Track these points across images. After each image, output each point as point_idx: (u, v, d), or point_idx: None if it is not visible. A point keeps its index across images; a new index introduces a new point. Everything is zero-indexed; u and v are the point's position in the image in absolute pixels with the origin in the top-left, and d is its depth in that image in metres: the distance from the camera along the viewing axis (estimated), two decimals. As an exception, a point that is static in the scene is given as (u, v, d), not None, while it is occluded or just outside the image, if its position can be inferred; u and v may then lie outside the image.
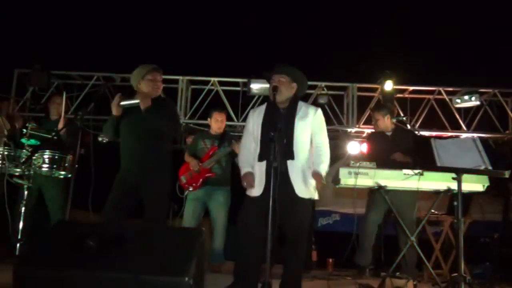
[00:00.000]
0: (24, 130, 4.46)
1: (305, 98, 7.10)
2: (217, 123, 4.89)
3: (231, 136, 5.01)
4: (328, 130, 6.85)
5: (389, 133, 4.79)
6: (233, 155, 4.73)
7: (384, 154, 4.51)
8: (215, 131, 4.92)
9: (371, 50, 7.63)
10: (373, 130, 6.04)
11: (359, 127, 7.05)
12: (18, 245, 4.42)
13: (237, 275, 3.15)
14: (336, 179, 4.09)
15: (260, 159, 3.14)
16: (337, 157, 7.50)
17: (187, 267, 2.06)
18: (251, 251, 3.06)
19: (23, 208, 4.46)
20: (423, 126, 7.02)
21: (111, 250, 2.14)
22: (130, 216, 3.55)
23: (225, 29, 7.85)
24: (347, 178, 3.98)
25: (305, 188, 3.14)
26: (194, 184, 4.75)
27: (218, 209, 4.71)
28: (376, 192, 4.36)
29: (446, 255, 5.39)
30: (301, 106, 3.33)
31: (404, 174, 3.91)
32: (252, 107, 7.01)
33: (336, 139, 7.22)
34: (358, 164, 3.99)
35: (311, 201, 3.27)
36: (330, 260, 6.04)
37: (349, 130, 7.12)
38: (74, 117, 4.80)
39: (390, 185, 3.94)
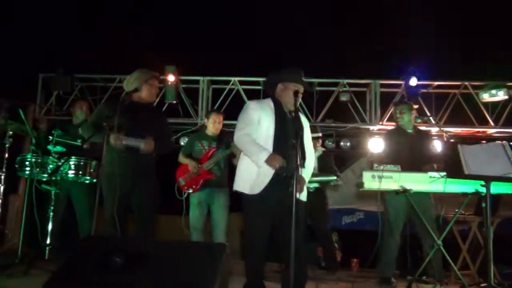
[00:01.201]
0: (50, 137, 4.57)
1: (327, 96, 7.04)
2: (214, 124, 4.88)
3: (228, 137, 5.00)
4: (350, 128, 6.89)
5: (410, 131, 4.64)
6: (231, 157, 4.73)
7: (403, 154, 4.40)
8: (212, 132, 4.91)
9: (393, 45, 7.45)
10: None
11: (382, 124, 6.92)
12: (47, 249, 4.54)
13: (249, 274, 3.21)
14: (359, 183, 4.05)
15: None
16: (359, 156, 7.43)
17: (211, 285, 2.06)
18: (258, 249, 3.16)
19: (51, 213, 4.58)
20: (449, 122, 6.84)
21: (136, 267, 2.16)
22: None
23: (244, 28, 7.80)
24: (370, 182, 3.94)
25: (304, 192, 3.21)
26: (194, 186, 4.74)
27: (220, 211, 4.71)
28: (392, 198, 4.27)
29: (474, 255, 5.28)
30: (301, 115, 3.37)
31: (430, 177, 3.86)
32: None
33: (358, 137, 7.13)
34: (382, 167, 3.94)
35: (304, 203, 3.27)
36: (355, 260, 6.00)
37: (371, 128, 7.00)
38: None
39: (416, 188, 3.89)
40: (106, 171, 3.53)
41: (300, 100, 3.27)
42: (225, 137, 4.92)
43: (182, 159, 4.88)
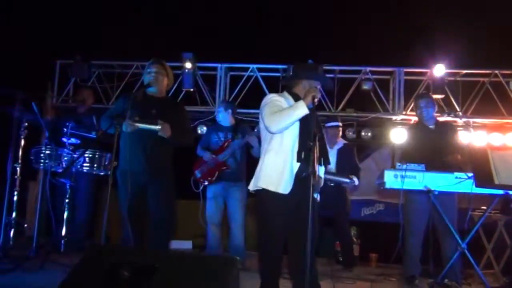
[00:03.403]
0: (65, 129, 4.53)
1: (349, 84, 6.79)
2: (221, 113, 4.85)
3: (244, 127, 4.88)
4: (373, 118, 6.64)
5: (432, 127, 4.37)
6: (248, 147, 4.66)
7: (425, 151, 4.16)
8: (225, 122, 4.85)
9: (419, 30, 7.11)
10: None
11: (406, 114, 6.65)
12: (62, 242, 4.55)
13: (264, 275, 3.10)
14: (381, 182, 3.90)
15: (299, 160, 2.98)
16: (381, 145, 7.20)
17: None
18: (276, 249, 3.04)
19: (66, 206, 4.58)
20: (476, 113, 6.51)
21: (143, 280, 2.08)
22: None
23: (264, 13, 7.57)
24: (393, 181, 3.79)
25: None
26: (209, 178, 4.71)
27: (235, 206, 4.67)
28: (414, 196, 4.07)
29: (498, 254, 5.09)
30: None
31: (456, 178, 3.67)
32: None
33: (380, 127, 6.88)
34: (405, 167, 3.77)
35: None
36: (373, 255, 5.86)
37: (394, 118, 6.74)
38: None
39: (441, 189, 3.71)
40: (120, 167, 3.55)
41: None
42: (241, 127, 4.85)
43: (199, 151, 4.84)
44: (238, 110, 6.79)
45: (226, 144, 4.70)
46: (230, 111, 4.84)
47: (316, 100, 2.97)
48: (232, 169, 4.68)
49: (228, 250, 4.88)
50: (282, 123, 2.95)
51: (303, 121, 3.00)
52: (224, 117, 4.83)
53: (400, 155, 4.55)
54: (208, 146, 4.83)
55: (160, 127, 3.42)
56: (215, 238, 4.71)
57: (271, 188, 2.97)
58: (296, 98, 3.09)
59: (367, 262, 5.84)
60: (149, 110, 3.53)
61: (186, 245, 6.15)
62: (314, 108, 2.99)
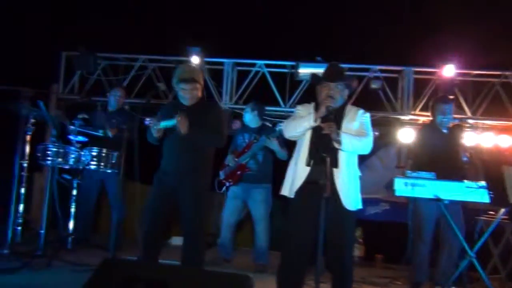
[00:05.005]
0: (72, 127, 4.50)
1: (358, 83, 6.71)
2: (246, 115, 4.80)
3: (268, 129, 4.83)
4: (381, 118, 6.57)
5: (445, 131, 4.29)
6: (272, 151, 4.58)
7: (435, 155, 4.09)
8: (251, 124, 4.80)
9: (430, 30, 7.01)
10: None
11: (414, 114, 6.60)
12: (69, 239, 4.55)
13: (278, 276, 3.09)
14: (390, 188, 3.87)
15: (308, 164, 3.01)
16: (387, 145, 7.14)
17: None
18: (291, 253, 3.05)
19: (73, 204, 4.57)
20: (486, 114, 6.46)
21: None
22: (169, 219, 3.59)
23: (273, 10, 7.46)
24: (403, 189, 3.76)
25: (351, 199, 3.02)
26: (230, 180, 4.69)
27: (256, 208, 4.62)
28: (424, 202, 4.05)
29: (505, 259, 5.08)
30: (350, 110, 3.16)
31: (467, 187, 3.64)
32: (300, 92, 6.76)
33: (388, 126, 6.82)
34: (415, 175, 3.74)
35: (356, 213, 3.10)
36: (379, 256, 5.85)
37: (402, 117, 6.68)
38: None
39: (451, 198, 3.69)
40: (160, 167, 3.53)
41: (333, 103, 3.00)
42: (265, 129, 4.80)
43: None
44: (244, 106, 6.75)
45: (248, 147, 4.65)
46: (256, 112, 4.73)
47: (331, 108, 2.93)
48: (253, 171, 4.61)
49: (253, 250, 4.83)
50: (292, 131, 3.12)
51: (315, 130, 3.01)
52: (250, 118, 4.76)
53: (408, 154, 4.52)
54: (235, 147, 4.80)
55: (177, 120, 3.26)
56: (228, 239, 4.68)
57: (285, 193, 3.12)
58: (318, 107, 3.09)
59: (372, 262, 5.83)
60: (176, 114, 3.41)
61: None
62: (332, 118, 2.93)
